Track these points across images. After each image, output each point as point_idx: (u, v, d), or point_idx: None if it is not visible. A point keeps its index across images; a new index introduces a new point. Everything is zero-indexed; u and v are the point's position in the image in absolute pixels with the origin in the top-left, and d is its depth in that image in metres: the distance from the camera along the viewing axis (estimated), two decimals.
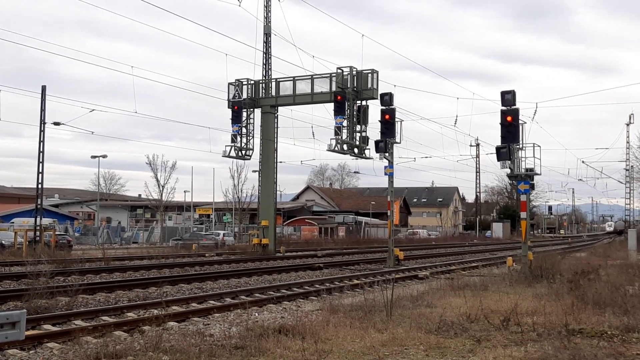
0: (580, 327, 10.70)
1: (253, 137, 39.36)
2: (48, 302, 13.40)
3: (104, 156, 60.88)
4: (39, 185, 36.69)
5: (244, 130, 39.00)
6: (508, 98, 22.37)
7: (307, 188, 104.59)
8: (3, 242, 38.11)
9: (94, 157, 61.33)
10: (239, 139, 38.55)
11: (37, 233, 36.26)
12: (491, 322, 11.06)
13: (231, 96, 38.77)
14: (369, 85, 33.95)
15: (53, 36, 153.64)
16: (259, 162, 40.58)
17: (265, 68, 42.21)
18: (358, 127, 33.60)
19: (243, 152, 38.89)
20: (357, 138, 33.42)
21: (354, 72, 33.99)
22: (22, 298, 13.93)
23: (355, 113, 33.51)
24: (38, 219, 36.67)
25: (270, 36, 42.38)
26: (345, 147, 32.66)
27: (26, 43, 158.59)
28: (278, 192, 47.23)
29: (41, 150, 36.14)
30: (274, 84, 39.51)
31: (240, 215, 69.03)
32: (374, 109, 34.05)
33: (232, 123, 38.66)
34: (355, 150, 33.48)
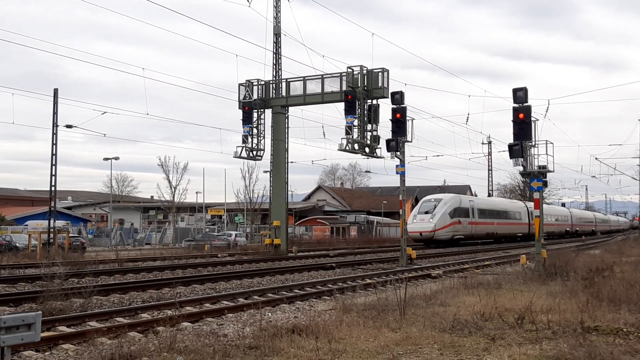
0: (596, 325, 10.62)
1: (264, 137, 39.49)
2: (63, 303, 13.46)
3: (116, 158, 61.29)
4: (52, 188, 36.92)
5: (254, 130, 39.11)
6: (520, 95, 22.25)
7: (319, 188, 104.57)
8: (17, 244, 38.38)
9: (106, 159, 61.74)
10: (250, 139, 38.65)
11: (51, 235, 36.49)
12: (505, 320, 11.01)
13: (242, 97, 38.87)
14: (380, 84, 33.93)
15: (63, 40, 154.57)
16: (270, 162, 40.61)
17: (276, 68, 42.25)
18: (369, 126, 33.59)
19: (254, 152, 38.98)
20: (368, 137, 33.39)
21: (364, 71, 33.97)
22: (37, 300, 14.02)
23: (366, 112, 33.50)
24: (52, 221, 36.90)
25: (280, 36, 42.41)
26: (356, 146, 32.65)
27: (36, 46, 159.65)
28: (289, 192, 47.27)
29: (54, 153, 36.38)
30: (284, 84, 39.58)
31: (252, 215, 69.15)
32: (385, 107, 33.96)
33: (243, 124, 38.78)
34: (367, 149, 33.46)
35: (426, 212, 48.41)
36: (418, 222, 47.91)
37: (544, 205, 72.94)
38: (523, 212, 63.09)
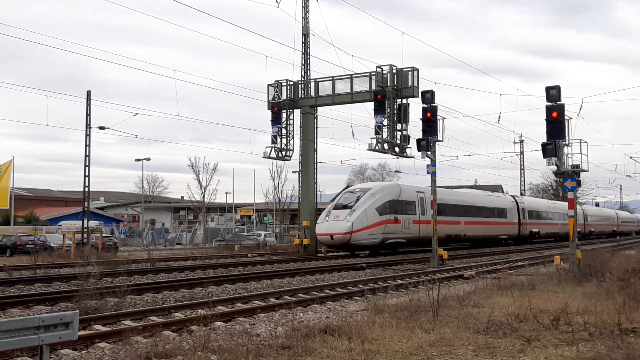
0: (633, 326, 10.44)
1: (293, 137, 39.56)
2: (97, 302, 13.64)
3: (148, 159, 62.20)
4: (86, 189, 37.43)
5: (283, 131, 39.22)
6: (553, 94, 21.95)
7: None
8: (52, 244, 39.07)
9: (137, 160, 62.65)
10: (278, 140, 38.77)
11: (85, 235, 37.04)
12: (540, 321, 10.87)
13: (271, 97, 39.01)
14: (409, 83, 33.81)
15: (93, 42, 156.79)
16: (299, 162, 40.71)
17: (304, 69, 42.33)
18: (399, 126, 33.49)
19: (283, 152, 39.10)
20: (398, 137, 33.28)
21: (394, 71, 33.87)
22: (72, 299, 14.22)
23: (395, 112, 33.40)
24: (85, 221, 37.44)
25: (308, 37, 42.48)
26: (386, 146, 32.54)
27: (68, 48, 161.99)
28: (318, 193, 47.30)
29: (87, 154, 36.89)
30: (313, 84, 39.63)
31: (281, 215, 69.40)
32: (415, 107, 33.87)
33: (272, 124, 38.91)
34: (396, 149, 33.34)
35: (344, 207, 35.38)
36: (330, 221, 34.69)
37: (546, 202, 62.93)
38: (510, 208, 51.26)
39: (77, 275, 17.45)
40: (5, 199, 51.01)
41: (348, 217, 33.89)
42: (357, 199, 35.50)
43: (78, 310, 7.91)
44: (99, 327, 11.29)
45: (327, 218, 35.21)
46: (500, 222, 48.84)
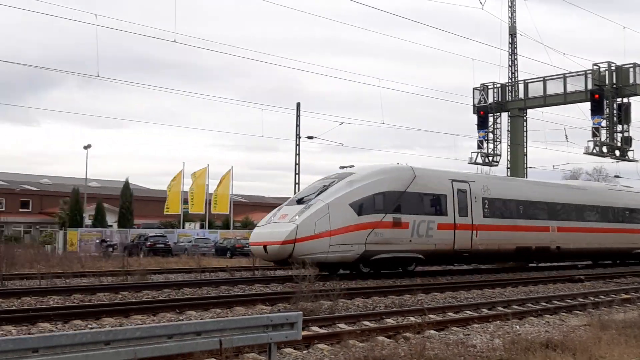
0: None
1: (500, 142, 38.44)
2: (312, 304, 14.17)
3: (351, 166, 63.77)
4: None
5: (490, 135, 38.24)
6: None
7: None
8: None
9: (342, 167, 64.62)
10: (485, 144, 37.86)
11: None
12: None
13: (476, 101, 38.25)
14: (631, 81, 31.36)
15: (303, 56, 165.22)
16: (507, 168, 39.31)
17: (512, 70, 40.91)
18: (619, 127, 31.25)
19: (490, 158, 38.10)
20: (619, 139, 30.99)
21: (613, 68, 31.50)
22: (289, 300, 14.95)
23: (615, 112, 31.10)
24: None
25: (515, 36, 41.06)
26: (604, 149, 30.45)
27: (281, 63, 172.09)
28: None
29: (297, 162, 38.94)
30: (521, 86, 38.25)
31: None
32: (637, 106, 31.22)
33: (477, 129, 38.16)
34: (617, 152, 31.07)
35: (300, 201, 22.79)
36: (273, 223, 22.21)
37: None
38: None
39: (294, 277, 18.29)
40: (226, 205, 55.71)
41: (296, 217, 21.43)
42: (324, 189, 22.59)
43: (301, 312, 8.27)
44: (315, 329, 11.68)
45: (271, 219, 22.77)
46: (628, 230, 31.93)
